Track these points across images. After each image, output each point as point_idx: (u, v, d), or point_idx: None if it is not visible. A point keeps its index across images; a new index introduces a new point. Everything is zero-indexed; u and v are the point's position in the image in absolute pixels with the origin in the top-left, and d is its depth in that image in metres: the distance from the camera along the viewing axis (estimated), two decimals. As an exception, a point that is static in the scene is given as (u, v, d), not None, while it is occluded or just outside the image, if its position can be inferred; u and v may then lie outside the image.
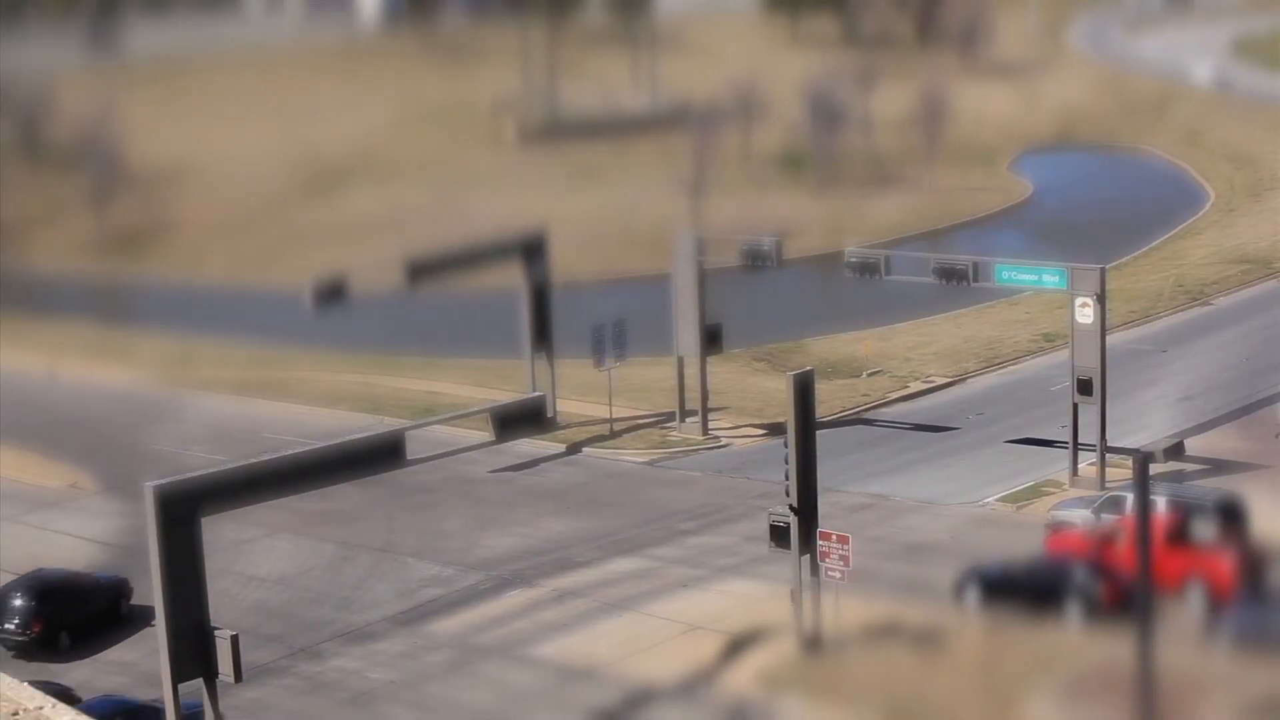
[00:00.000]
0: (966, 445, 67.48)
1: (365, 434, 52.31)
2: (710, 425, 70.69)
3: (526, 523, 61.24)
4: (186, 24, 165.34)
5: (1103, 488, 58.89)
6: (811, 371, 47.65)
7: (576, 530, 60.06)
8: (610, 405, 71.45)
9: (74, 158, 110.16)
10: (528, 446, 70.14)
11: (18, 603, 51.92)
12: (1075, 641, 46.56)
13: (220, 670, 40.99)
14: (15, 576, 54.26)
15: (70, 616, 52.37)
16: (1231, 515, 50.93)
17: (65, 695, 44.26)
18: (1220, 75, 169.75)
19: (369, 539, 60.33)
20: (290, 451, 46.21)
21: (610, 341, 70.74)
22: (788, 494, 46.56)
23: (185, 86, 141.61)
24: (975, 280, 64.54)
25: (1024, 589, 48.23)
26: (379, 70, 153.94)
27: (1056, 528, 54.38)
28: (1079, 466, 61.27)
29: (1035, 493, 60.76)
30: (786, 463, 46.42)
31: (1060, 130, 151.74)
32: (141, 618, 51.23)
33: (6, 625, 51.50)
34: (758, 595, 51.77)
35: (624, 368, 72.28)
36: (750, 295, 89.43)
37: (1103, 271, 61.02)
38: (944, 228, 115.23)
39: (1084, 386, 60.75)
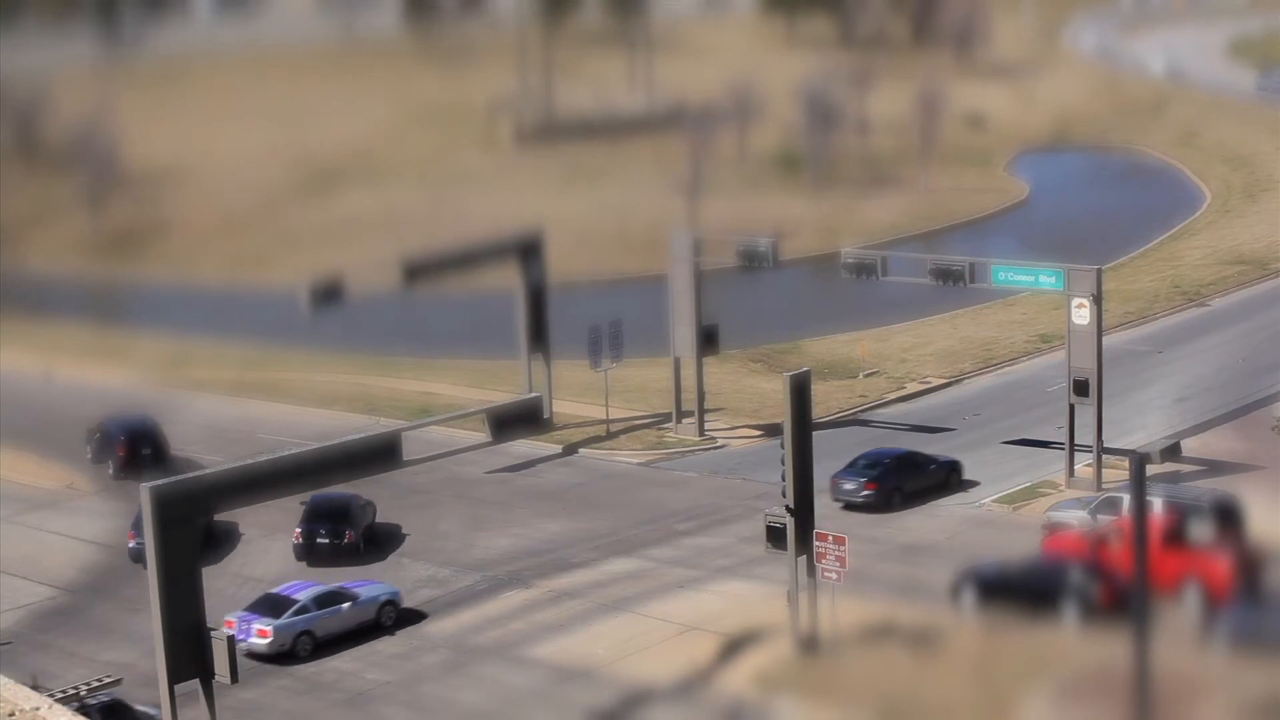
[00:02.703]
0: (963, 446, 67.42)
1: (361, 435, 52.41)
2: (706, 426, 70.69)
3: (523, 523, 61.22)
4: (183, 24, 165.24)
5: (1099, 489, 58.90)
6: (808, 372, 47.62)
7: (573, 531, 60.05)
8: (606, 406, 71.44)
9: (70, 158, 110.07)
10: (524, 447, 70.14)
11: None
12: (1072, 642, 46.56)
13: (216, 671, 41.01)
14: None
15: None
16: (1228, 516, 50.95)
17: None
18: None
19: (365, 539, 60.27)
20: (287, 452, 46.20)
21: (606, 342, 70.75)
22: (784, 495, 46.57)
23: (181, 87, 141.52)
24: (972, 281, 64.53)
25: (1020, 590, 48.22)
26: (376, 71, 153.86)
27: (1053, 528, 54.39)
28: (1075, 467, 61.25)
29: (1032, 493, 60.78)
30: (783, 463, 46.43)
31: (1056, 131, 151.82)
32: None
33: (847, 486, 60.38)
34: (754, 596, 51.78)
35: (620, 368, 72.28)
36: (746, 296, 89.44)
37: (1099, 272, 61.02)
38: (940, 229, 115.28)
39: (1080, 387, 60.75)
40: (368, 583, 53.43)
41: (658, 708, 45.48)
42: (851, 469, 61.04)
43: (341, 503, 58.64)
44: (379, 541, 59.56)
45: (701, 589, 53.49)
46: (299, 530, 57.95)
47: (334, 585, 52.20)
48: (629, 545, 57.98)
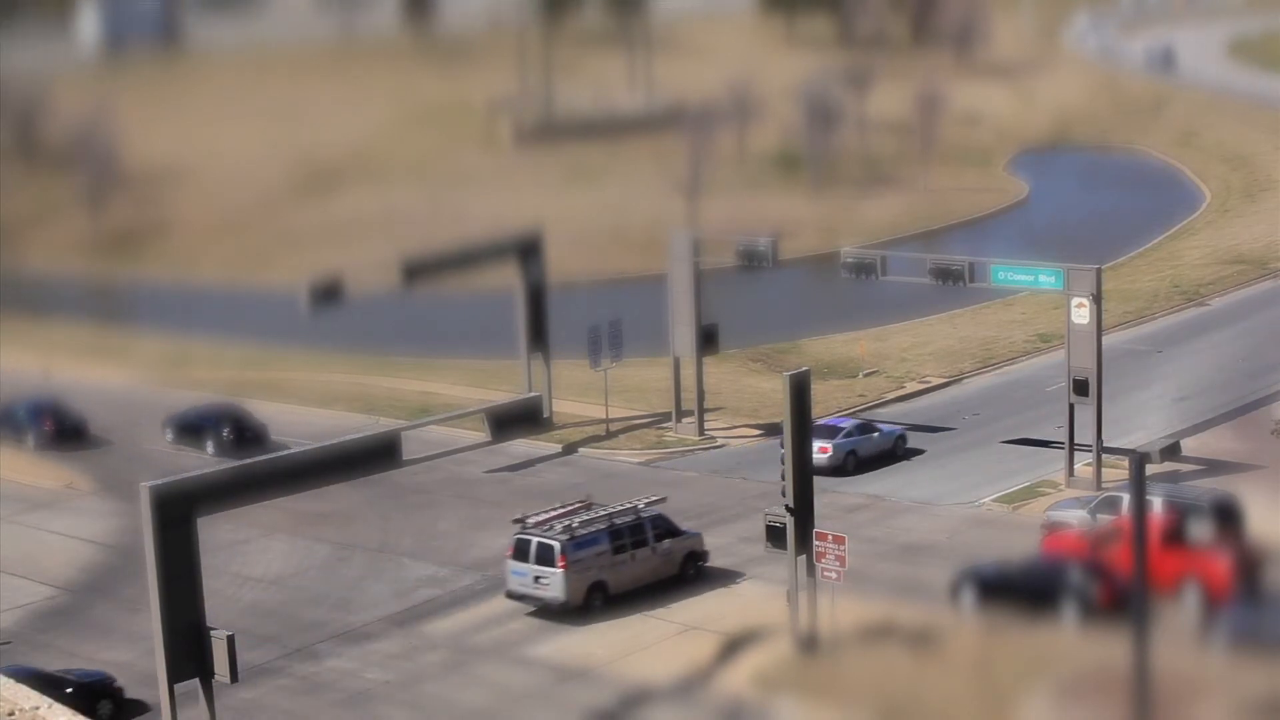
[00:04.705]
0: (962, 446, 67.47)
1: (361, 434, 52.39)
2: (706, 425, 70.69)
3: (522, 523, 61.16)
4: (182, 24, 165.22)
5: (1099, 488, 58.89)
6: (807, 372, 47.63)
7: (572, 531, 59.99)
8: (606, 405, 71.45)
9: (70, 158, 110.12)
10: (523, 447, 70.15)
11: None
12: (1071, 642, 46.56)
13: (216, 670, 41.01)
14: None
15: None
16: (1227, 516, 50.92)
17: None
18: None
19: (365, 539, 60.33)
20: (286, 452, 46.20)
21: (606, 342, 70.75)
22: (784, 494, 46.58)
23: (181, 86, 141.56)
24: (971, 281, 64.53)
25: (1020, 589, 48.22)
26: (375, 71, 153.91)
27: (1052, 528, 54.37)
28: (1075, 467, 61.24)
29: (1031, 493, 60.76)
30: (782, 463, 46.43)
31: (1056, 131, 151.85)
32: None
33: None
34: (754, 596, 51.80)
35: (620, 368, 72.28)
36: (746, 296, 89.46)
37: (1099, 272, 60.99)
38: (940, 228, 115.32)
39: (1080, 387, 60.73)
40: (884, 423, 67.23)
41: (657, 708, 45.48)
42: None
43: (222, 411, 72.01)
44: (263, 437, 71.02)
45: (701, 589, 53.47)
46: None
47: (862, 420, 66.84)
48: (629, 545, 57.91)
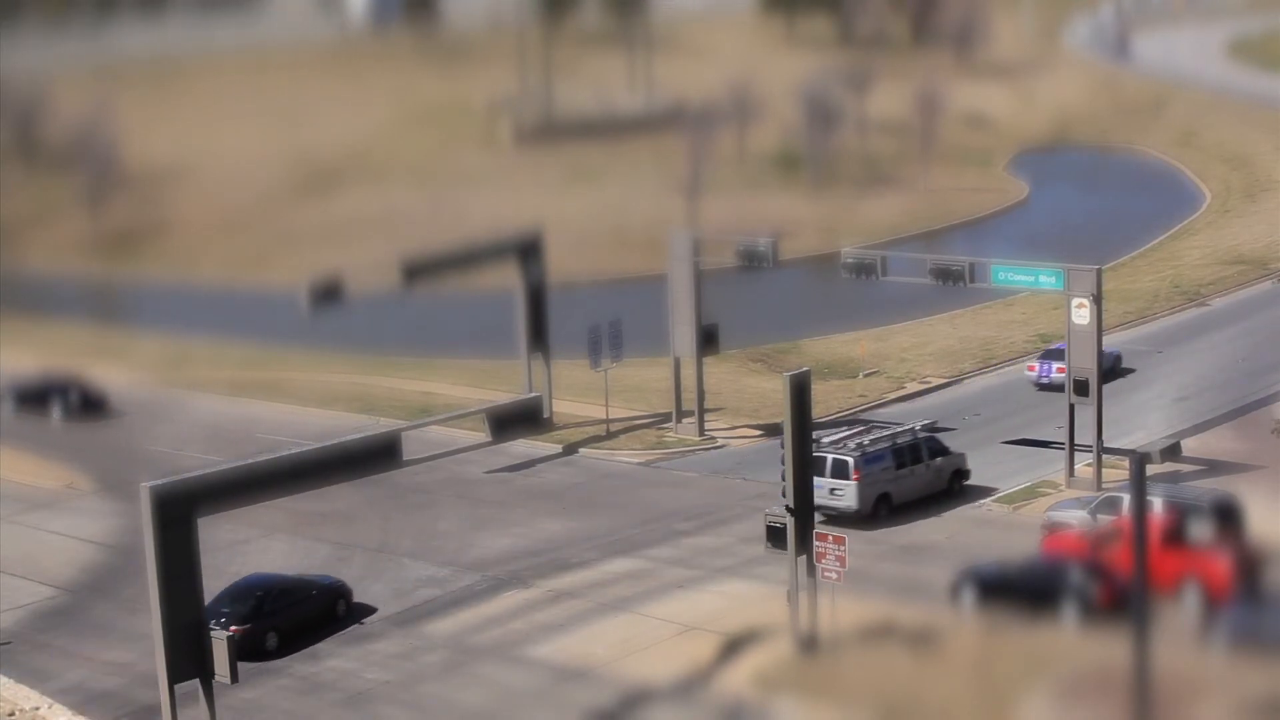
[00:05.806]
0: (963, 446, 67.35)
1: (361, 434, 52.37)
2: (706, 426, 70.68)
3: (522, 523, 61.22)
4: (182, 24, 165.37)
5: (1099, 488, 58.87)
6: (808, 372, 47.59)
7: (572, 531, 60.06)
8: (606, 406, 71.44)
9: (70, 158, 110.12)
10: (524, 447, 70.15)
11: None
12: (1071, 642, 46.55)
13: (216, 670, 41.02)
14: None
15: None
16: (1227, 516, 50.90)
17: None
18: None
19: (365, 539, 60.32)
20: (286, 452, 46.19)
21: (606, 342, 70.74)
22: (784, 494, 46.58)
23: (181, 87, 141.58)
24: (972, 281, 64.46)
25: (1020, 590, 48.21)
26: (375, 71, 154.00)
27: (1053, 528, 54.37)
28: (1075, 467, 61.23)
29: (1032, 493, 60.73)
30: (783, 463, 46.42)
31: (1056, 131, 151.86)
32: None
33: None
34: (754, 596, 51.77)
35: (620, 368, 72.27)
36: (746, 296, 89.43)
37: (1099, 272, 60.96)
38: (940, 228, 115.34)
39: (1080, 387, 60.74)
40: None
41: (657, 708, 45.47)
42: None
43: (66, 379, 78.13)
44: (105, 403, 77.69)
45: (701, 589, 53.48)
46: None
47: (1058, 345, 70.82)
48: (629, 545, 57.95)
